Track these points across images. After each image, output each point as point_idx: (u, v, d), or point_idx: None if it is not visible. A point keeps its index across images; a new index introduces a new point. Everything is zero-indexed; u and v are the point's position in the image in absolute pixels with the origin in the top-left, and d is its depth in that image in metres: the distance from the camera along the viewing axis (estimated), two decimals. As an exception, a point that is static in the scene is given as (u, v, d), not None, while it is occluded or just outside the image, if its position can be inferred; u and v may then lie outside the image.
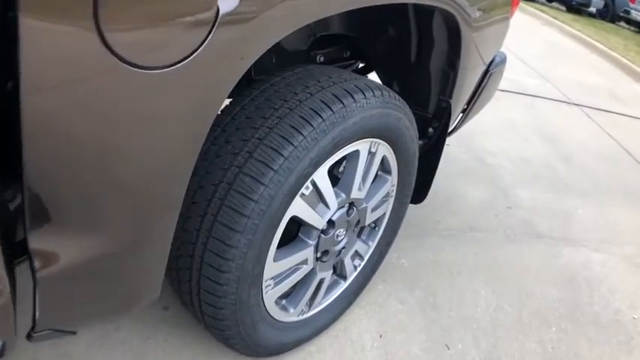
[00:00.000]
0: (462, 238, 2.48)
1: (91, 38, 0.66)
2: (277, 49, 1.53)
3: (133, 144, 0.79)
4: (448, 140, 2.06)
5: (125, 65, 0.70)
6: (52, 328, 0.88)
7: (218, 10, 0.77)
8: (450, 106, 1.71)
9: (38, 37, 0.64)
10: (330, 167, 1.34)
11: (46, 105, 0.68)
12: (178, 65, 0.75)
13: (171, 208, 0.96)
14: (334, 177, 1.47)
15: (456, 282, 2.18)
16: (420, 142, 1.85)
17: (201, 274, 1.27)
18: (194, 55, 0.76)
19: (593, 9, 14.58)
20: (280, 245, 1.41)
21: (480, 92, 1.88)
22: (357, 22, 1.66)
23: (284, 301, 1.58)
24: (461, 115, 2.01)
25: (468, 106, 1.95)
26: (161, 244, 1.02)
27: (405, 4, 1.32)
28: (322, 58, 1.82)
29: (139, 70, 0.72)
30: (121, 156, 0.79)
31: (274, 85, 1.31)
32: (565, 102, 5.25)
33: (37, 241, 0.77)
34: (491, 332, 1.98)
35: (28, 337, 0.86)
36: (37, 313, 0.82)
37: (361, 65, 2.10)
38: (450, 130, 2.13)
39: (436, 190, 2.78)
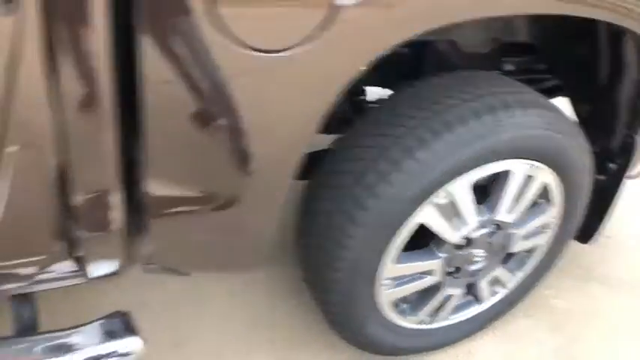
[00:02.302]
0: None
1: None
2: (454, 47, 1.48)
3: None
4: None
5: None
6: (165, 266, 1.04)
7: None
8: (634, 143, 1.48)
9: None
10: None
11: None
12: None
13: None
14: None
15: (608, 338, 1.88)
16: (600, 177, 1.64)
17: (319, 255, 1.32)
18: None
19: None
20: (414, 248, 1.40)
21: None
22: (544, 33, 1.52)
23: (405, 305, 1.55)
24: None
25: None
26: (264, 206, 1.05)
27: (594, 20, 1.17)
28: (511, 67, 1.70)
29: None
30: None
31: (433, 85, 1.29)
32: None
33: (153, 188, 0.90)
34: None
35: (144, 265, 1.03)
36: (152, 249, 0.97)
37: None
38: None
39: (634, 231, 2.31)
